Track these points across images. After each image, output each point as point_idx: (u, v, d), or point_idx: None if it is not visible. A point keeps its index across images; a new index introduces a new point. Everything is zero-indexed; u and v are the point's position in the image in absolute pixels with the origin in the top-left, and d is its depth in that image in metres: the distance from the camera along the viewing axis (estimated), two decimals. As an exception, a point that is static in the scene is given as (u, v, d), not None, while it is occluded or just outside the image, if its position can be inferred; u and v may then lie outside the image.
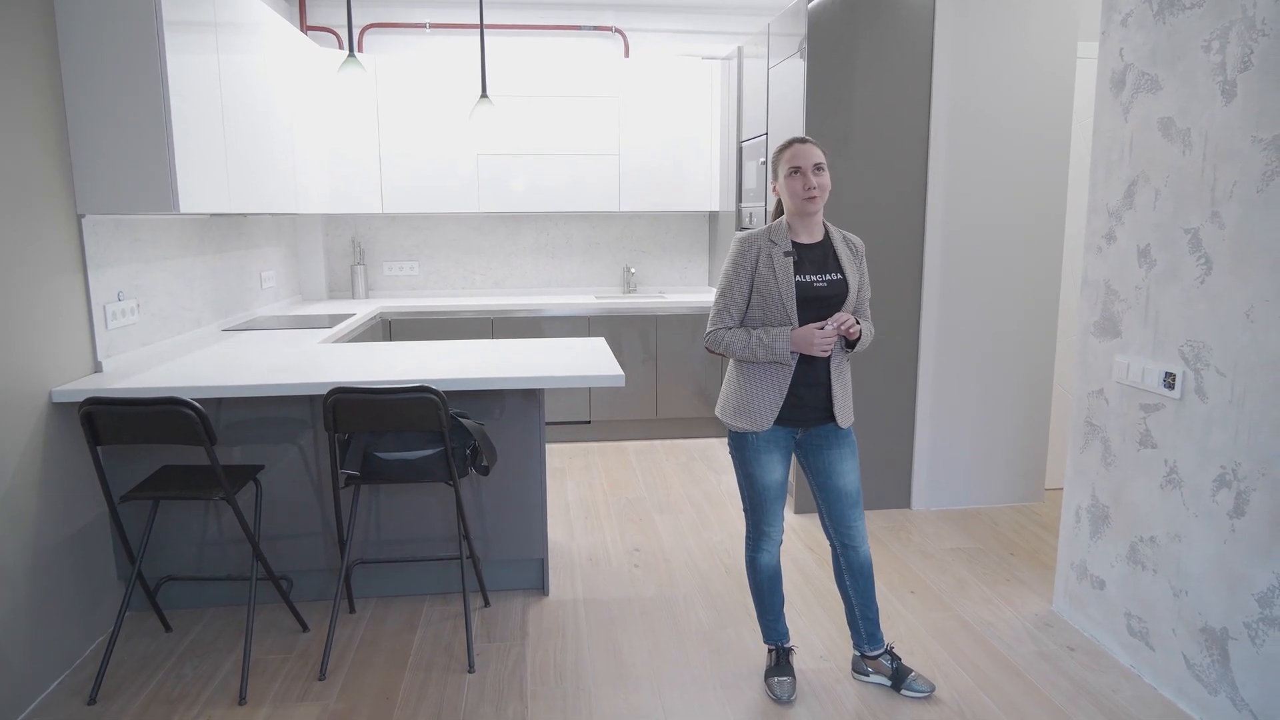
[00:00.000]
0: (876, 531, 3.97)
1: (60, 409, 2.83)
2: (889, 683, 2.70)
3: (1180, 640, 2.61)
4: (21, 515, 2.62)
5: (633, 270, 6.02)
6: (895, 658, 2.71)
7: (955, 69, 3.93)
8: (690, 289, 6.15)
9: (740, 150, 5.14)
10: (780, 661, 2.72)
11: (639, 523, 4.15)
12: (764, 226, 2.55)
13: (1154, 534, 2.70)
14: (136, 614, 3.20)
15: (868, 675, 2.74)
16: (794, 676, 2.70)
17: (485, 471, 2.92)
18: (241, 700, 2.65)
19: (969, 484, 4.28)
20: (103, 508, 3.04)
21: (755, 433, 2.55)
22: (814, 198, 2.45)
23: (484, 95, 4.50)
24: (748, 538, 2.69)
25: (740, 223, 5.18)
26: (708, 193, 5.72)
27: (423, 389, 2.65)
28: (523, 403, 3.24)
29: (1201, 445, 2.50)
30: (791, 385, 2.51)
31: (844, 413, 2.56)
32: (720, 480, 4.79)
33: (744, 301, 2.53)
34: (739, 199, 5.17)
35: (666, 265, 6.13)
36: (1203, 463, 2.50)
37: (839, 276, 2.52)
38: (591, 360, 3.23)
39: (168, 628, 3.11)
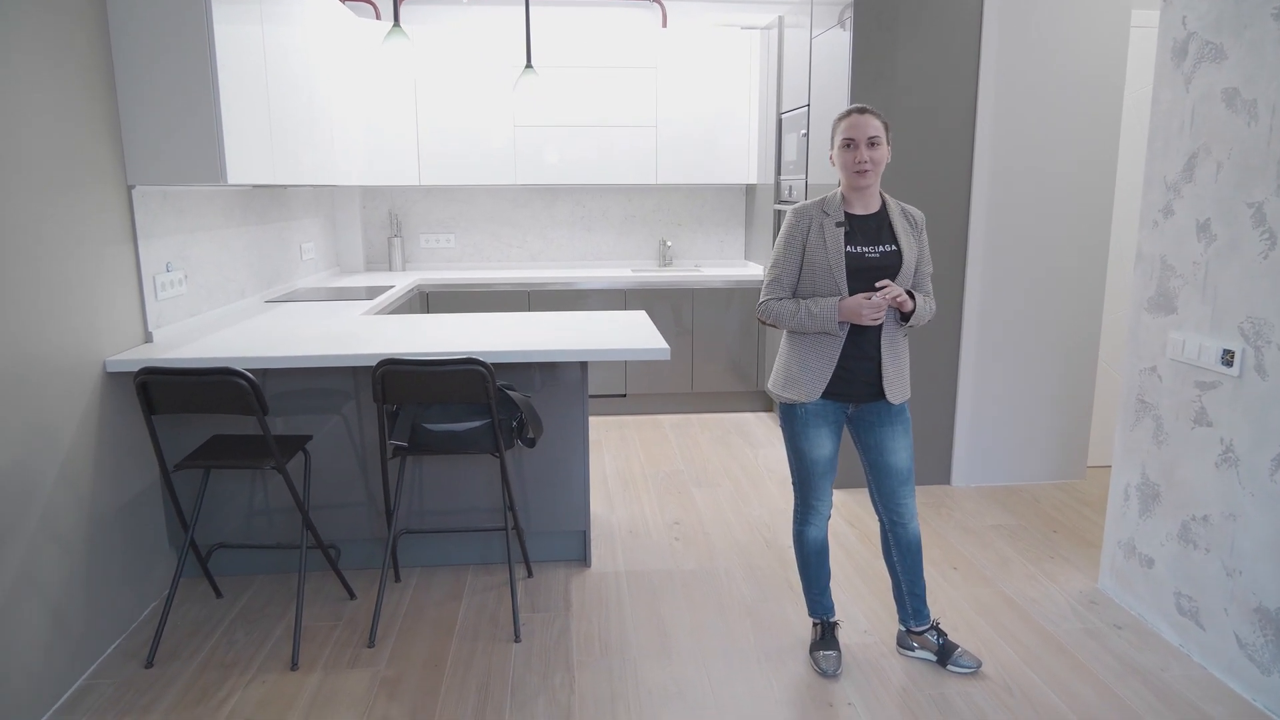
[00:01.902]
0: (918, 507, 3.94)
1: (114, 378, 2.87)
2: (934, 658, 2.69)
3: (1232, 620, 2.58)
4: (79, 483, 2.67)
5: (669, 243, 5.99)
6: (941, 633, 2.71)
7: (1003, 39, 3.84)
8: (727, 263, 6.12)
9: (780, 122, 5.08)
10: (825, 635, 2.72)
11: (677, 496, 4.16)
12: (819, 198, 2.53)
13: (1207, 513, 2.67)
14: (186, 580, 3.26)
15: (913, 650, 2.74)
16: (839, 650, 2.70)
17: (531, 444, 2.93)
18: (294, 666, 2.70)
19: (1010, 460, 4.24)
20: (153, 476, 3.09)
21: (804, 406, 2.54)
22: (864, 172, 2.42)
23: (529, 66, 4.47)
24: (795, 512, 2.68)
25: (779, 196, 5.13)
26: (745, 165, 5.66)
27: (470, 361, 2.66)
28: (566, 376, 3.25)
29: (1260, 424, 2.46)
30: (842, 358, 2.50)
31: (895, 389, 2.54)
32: (758, 455, 4.78)
33: (795, 272, 2.53)
34: (778, 171, 5.12)
35: (703, 238, 6.09)
36: (1261, 441, 2.46)
37: (893, 248, 2.49)
38: (635, 334, 3.22)
39: (219, 594, 3.17)
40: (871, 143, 2.41)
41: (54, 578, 2.53)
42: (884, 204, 2.54)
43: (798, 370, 2.53)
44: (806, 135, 4.50)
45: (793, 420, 2.58)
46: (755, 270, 5.64)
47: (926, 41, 3.84)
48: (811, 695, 2.55)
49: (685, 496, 4.15)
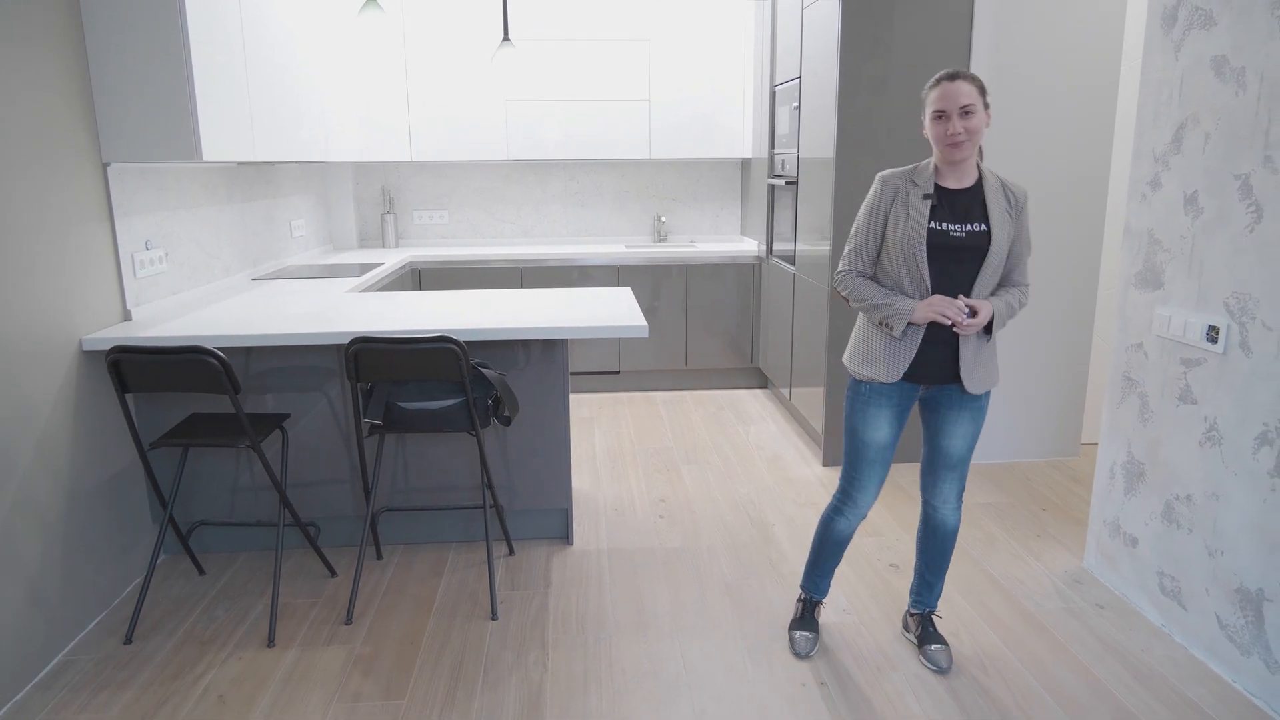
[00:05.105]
0: (906, 485, 3.92)
1: (91, 357, 2.87)
2: (916, 642, 2.66)
3: (1214, 600, 2.54)
4: (57, 461, 2.67)
5: (663, 219, 5.93)
6: (931, 623, 2.65)
7: (998, 7, 3.76)
8: (722, 238, 6.06)
9: (773, 95, 5.01)
10: (805, 614, 2.70)
11: (665, 473, 4.14)
12: (909, 165, 2.38)
13: (1190, 492, 2.63)
14: (170, 558, 3.27)
15: (910, 631, 2.70)
16: (817, 632, 2.68)
17: (507, 422, 2.91)
18: (270, 643, 2.71)
19: (1003, 438, 4.20)
20: (134, 454, 3.09)
21: (871, 384, 2.41)
22: (958, 144, 2.24)
23: (505, 39, 4.41)
24: (835, 495, 2.56)
25: (773, 170, 5.06)
26: (740, 139, 5.59)
27: (443, 339, 2.63)
28: (546, 353, 3.22)
29: (1243, 402, 2.41)
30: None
31: (974, 379, 2.37)
32: (749, 432, 4.76)
33: (877, 243, 2.38)
34: (771, 145, 5.05)
35: (698, 214, 6.03)
36: (1244, 420, 2.41)
37: (983, 228, 2.29)
38: (614, 310, 3.19)
39: (200, 571, 3.18)
40: (965, 111, 2.20)
41: (31, 555, 2.54)
42: (980, 177, 2.33)
43: (879, 347, 2.39)
44: (798, 108, 4.42)
45: (855, 396, 2.45)
46: (750, 245, 5.58)
47: (919, 10, 3.76)
48: (786, 674, 2.54)
49: (673, 474, 4.13)
